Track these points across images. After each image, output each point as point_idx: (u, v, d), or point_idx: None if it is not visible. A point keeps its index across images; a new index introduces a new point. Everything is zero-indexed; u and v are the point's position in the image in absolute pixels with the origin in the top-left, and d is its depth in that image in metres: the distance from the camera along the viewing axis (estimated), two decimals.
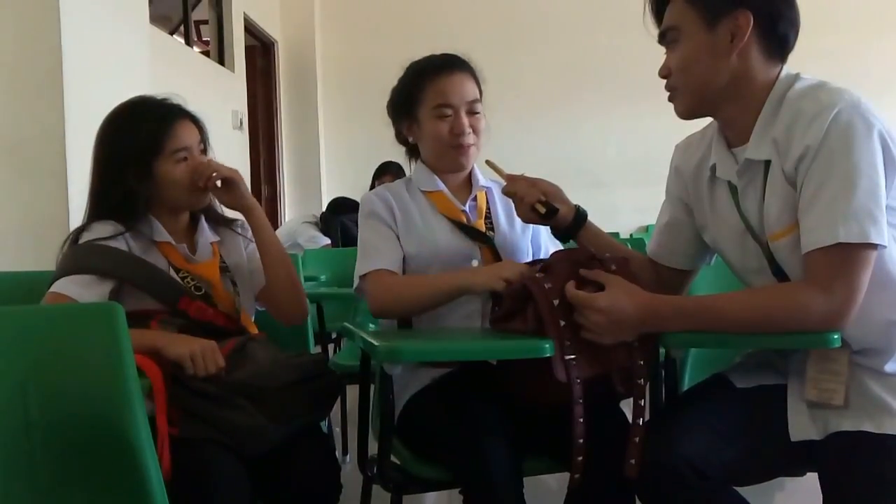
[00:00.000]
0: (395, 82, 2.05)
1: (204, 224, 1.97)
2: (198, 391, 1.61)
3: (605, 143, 7.72)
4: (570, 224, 1.82)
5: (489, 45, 7.35)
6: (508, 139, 7.23)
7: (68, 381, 1.42)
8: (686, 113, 1.63)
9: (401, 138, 2.08)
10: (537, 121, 7.75)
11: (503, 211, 2.03)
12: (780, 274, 1.55)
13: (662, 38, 1.62)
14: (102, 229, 1.80)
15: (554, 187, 1.83)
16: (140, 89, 3.74)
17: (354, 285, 1.96)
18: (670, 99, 1.63)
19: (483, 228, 1.97)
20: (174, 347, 1.64)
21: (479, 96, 1.98)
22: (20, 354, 1.41)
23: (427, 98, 1.95)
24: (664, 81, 1.64)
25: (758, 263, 1.59)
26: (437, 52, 2.04)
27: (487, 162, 1.95)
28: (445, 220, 1.96)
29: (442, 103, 1.94)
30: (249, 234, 2.01)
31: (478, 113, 1.97)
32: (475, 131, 1.97)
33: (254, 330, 1.91)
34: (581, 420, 1.55)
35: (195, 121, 1.92)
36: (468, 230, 1.95)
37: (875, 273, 1.45)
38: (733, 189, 1.61)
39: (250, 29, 6.93)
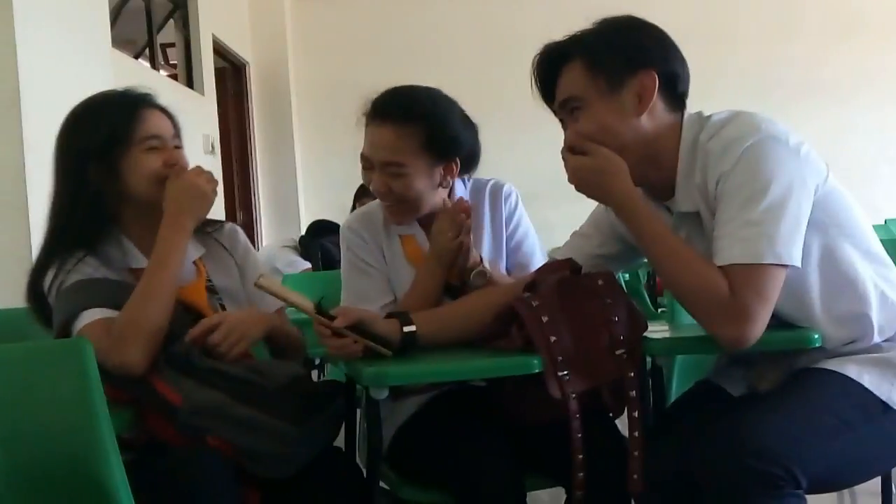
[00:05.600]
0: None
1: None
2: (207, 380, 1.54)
3: None
4: (403, 341, 1.65)
5: (466, 61, 7.43)
6: (492, 156, 7.10)
7: (35, 421, 1.37)
8: None
9: None
10: (520, 137, 7.66)
11: (479, 237, 1.89)
12: None
13: (562, 108, 1.61)
14: (83, 269, 1.64)
15: (367, 313, 1.67)
16: None
17: None
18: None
19: (455, 273, 1.84)
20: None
21: (397, 157, 1.76)
22: None
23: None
24: None
25: None
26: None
27: (257, 284, 1.63)
28: (412, 269, 1.86)
29: (363, 153, 1.83)
30: (241, 246, 1.85)
31: (400, 175, 1.76)
32: (393, 191, 1.79)
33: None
34: (579, 435, 1.53)
35: (167, 113, 1.77)
36: None
37: (834, 275, 1.54)
38: None
39: (220, 51, 6.84)
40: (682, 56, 1.60)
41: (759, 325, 1.44)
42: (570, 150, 1.59)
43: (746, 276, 1.42)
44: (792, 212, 1.43)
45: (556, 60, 1.62)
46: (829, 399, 1.46)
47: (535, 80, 1.66)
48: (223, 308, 1.76)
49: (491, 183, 1.98)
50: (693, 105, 1.63)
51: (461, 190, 1.94)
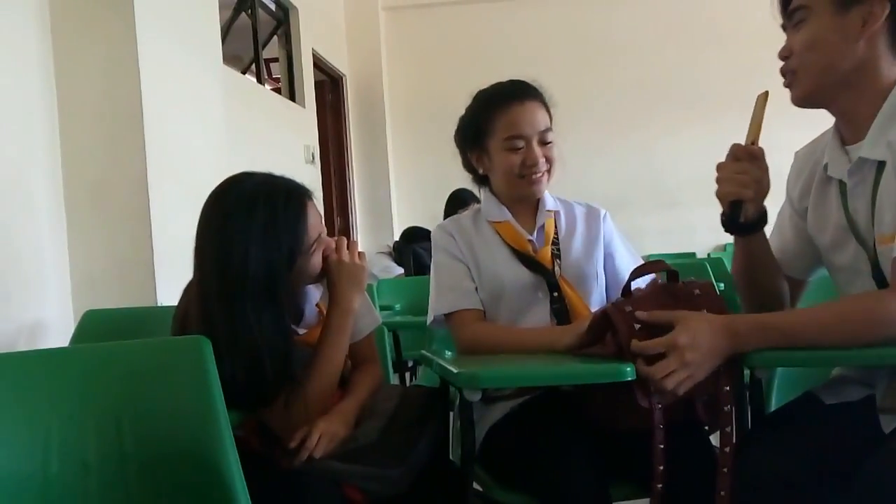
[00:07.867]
0: (462, 111, 2.02)
1: (307, 287, 1.84)
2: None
3: (679, 161, 7.57)
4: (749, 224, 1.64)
5: (557, 68, 7.39)
6: (581, 162, 7.18)
7: (160, 415, 1.46)
8: (803, 98, 1.57)
9: (469, 167, 2.06)
10: (610, 143, 7.70)
11: (572, 234, 1.99)
12: (880, 279, 1.50)
13: (789, 18, 1.56)
14: None
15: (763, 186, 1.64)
16: (215, 129, 3.85)
17: (429, 320, 1.96)
18: (787, 84, 1.58)
19: (549, 256, 1.93)
20: None
21: (549, 124, 1.93)
22: (115, 388, 1.46)
23: (497, 129, 1.92)
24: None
25: (856, 264, 1.55)
26: (505, 79, 2.00)
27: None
28: (510, 252, 1.94)
29: (513, 135, 1.90)
30: None
31: (549, 142, 1.93)
32: (547, 160, 1.93)
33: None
34: (661, 446, 1.50)
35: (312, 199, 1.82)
36: (531, 263, 1.92)
37: None
38: (843, 187, 1.57)
39: (319, 64, 7.05)
40: None
41: None
42: (783, 58, 1.57)
43: None
44: None
45: None
46: None
47: None
48: None
49: (584, 204, 2.08)
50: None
51: (551, 202, 2.02)
